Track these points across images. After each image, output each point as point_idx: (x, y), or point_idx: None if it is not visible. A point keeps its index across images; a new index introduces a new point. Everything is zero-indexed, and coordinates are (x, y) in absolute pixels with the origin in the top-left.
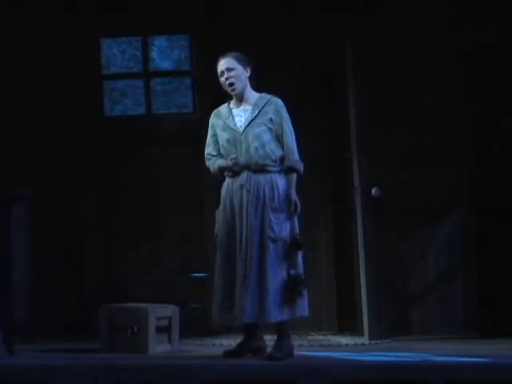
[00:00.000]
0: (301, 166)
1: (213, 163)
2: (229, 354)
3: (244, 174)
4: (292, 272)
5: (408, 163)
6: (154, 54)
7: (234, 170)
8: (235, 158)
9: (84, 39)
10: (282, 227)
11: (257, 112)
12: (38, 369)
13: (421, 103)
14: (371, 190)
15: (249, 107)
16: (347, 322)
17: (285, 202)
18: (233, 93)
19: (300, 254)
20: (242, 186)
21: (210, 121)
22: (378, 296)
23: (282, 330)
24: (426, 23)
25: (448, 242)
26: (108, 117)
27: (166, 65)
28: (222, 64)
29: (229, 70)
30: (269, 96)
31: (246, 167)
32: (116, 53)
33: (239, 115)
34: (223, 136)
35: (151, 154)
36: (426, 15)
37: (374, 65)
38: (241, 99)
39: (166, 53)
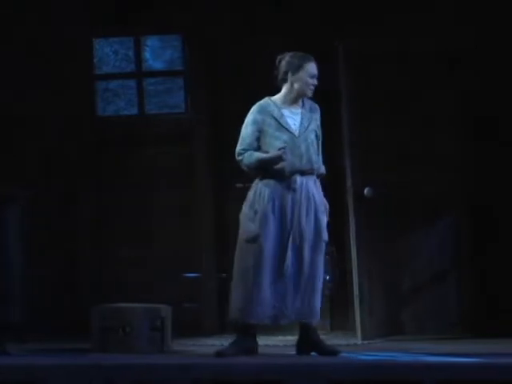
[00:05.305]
0: None
1: (249, 156)
2: (221, 353)
3: (296, 178)
4: (326, 275)
5: (401, 164)
6: (146, 54)
7: (283, 160)
8: (284, 148)
9: (76, 39)
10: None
11: (309, 117)
12: (29, 369)
13: (414, 103)
14: (364, 190)
15: (298, 110)
16: (340, 322)
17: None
18: (307, 96)
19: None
20: (294, 189)
21: (254, 116)
22: (370, 296)
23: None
24: (420, 25)
25: (442, 242)
26: (100, 117)
27: (158, 65)
28: (315, 68)
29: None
30: (310, 101)
31: (299, 171)
32: (108, 53)
33: (291, 117)
34: (278, 135)
35: (143, 154)
36: (420, 17)
37: (367, 65)
38: (296, 100)
39: (159, 53)
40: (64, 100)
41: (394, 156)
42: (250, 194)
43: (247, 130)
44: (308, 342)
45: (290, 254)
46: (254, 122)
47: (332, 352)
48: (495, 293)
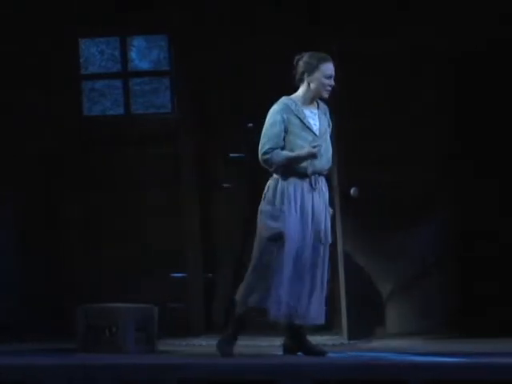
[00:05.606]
0: None
1: (277, 154)
2: (227, 354)
3: (317, 178)
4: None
5: (388, 163)
6: (132, 54)
7: (316, 157)
8: (319, 146)
9: (63, 39)
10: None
11: (324, 118)
12: (14, 369)
13: (403, 104)
14: (350, 189)
15: (315, 111)
16: (326, 322)
17: None
18: (324, 97)
19: None
20: (314, 189)
21: (281, 115)
22: (357, 296)
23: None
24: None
25: (429, 241)
26: (87, 117)
27: (144, 65)
28: (333, 69)
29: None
30: (322, 103)
31: (318, 171)
32: (95, 53)
33: (311, 117)
34: (303, 135)
35: (130, 154)
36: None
37: (357, 66)
38: (313, 101)
39: (145, 53)
40: (50, 100)
41: (383, 155)
42: (269, 192)
43: (274, 129)
44: (295, 342)
45: (309, 254)
46: (281, 121)
47: (319, 352)
48: (482, 293)
